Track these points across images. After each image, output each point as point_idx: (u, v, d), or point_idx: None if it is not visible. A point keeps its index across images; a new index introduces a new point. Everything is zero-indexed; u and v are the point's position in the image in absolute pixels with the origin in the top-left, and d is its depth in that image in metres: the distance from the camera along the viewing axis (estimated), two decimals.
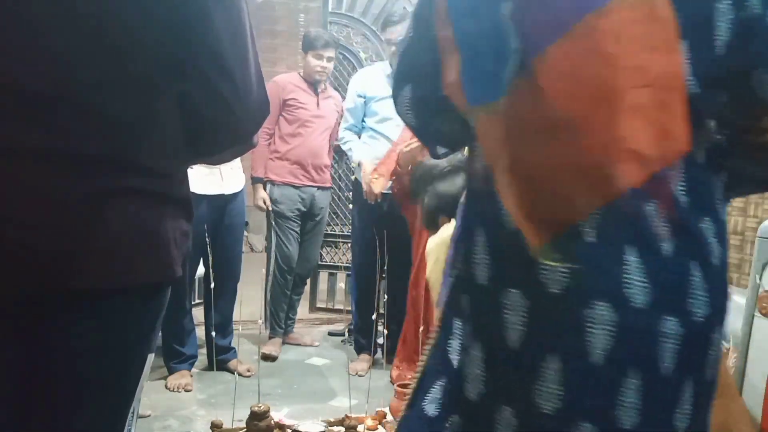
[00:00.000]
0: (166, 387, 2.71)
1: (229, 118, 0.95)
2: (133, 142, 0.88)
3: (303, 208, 3.29)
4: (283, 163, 3.25)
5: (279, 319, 3.34)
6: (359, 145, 3.09)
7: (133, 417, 1.26)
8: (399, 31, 2.96)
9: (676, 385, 0.78)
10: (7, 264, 0.82)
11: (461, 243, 0.92)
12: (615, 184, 0.73)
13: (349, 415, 2.27)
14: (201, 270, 3.52)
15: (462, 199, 0.98)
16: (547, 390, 0.77)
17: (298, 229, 3.31)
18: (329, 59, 3.26)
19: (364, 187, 3.00)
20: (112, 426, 0.96)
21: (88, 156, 0.84)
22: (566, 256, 0.76)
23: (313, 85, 3.27)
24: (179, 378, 2.75)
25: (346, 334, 3.61)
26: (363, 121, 3.11)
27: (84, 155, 0.84)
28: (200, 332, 3.04)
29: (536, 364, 0.77)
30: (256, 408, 2.18)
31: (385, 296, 2.61)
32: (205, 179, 2.71)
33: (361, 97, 3.07)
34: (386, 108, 3.02)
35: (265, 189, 3.28)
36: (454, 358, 0.90)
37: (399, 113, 0.97)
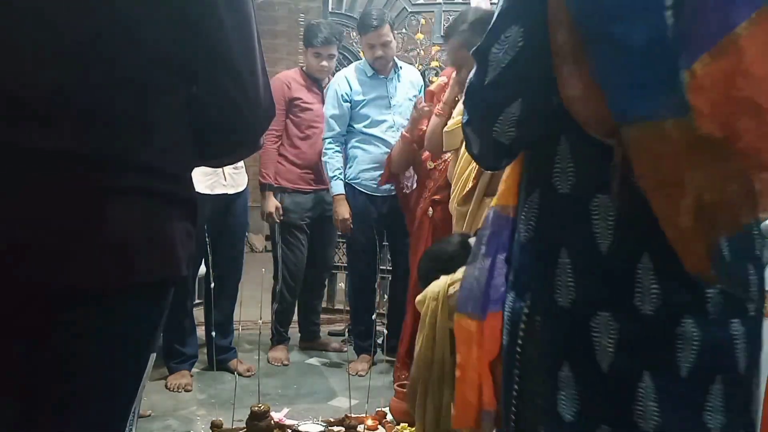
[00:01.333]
0: (166, 387, 2.71)
1: (238, 121, 0.96)
2: (141, 143, 0.88)
3: (314, 215, 3.19)
4: (293, 168, 3.14)
5: (284, 328, 3.26)
6: (338, 166, 3.01)
7: (133, 417, 1.26)
8: (384, 35, 2.92)
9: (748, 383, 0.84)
10: (12, 263, 0.82)
11: (534, 263, 0.89)
12: (760, 207, 0.75)
13: (349, 415, 2.27)
14: (201, 270, 3.52)
15: (527, 219, 0.91)
16: (645, 408, 0.80)
17: (306, 238, 3.20)
18: (330, 57, 3.14)
19: (339, 226, 3.03)
20: (114, 425, 0.96)
21: (94, 155, 0.84)
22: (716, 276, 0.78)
23: (316, 81, 3.19)
24: (179, 378, 2.75)
25: (346, 334, 3.61)
26: (350, 125, 3.04)
27: (90, 155, 0.84)
28: (200, 332, 3.05)
29: (631, 383, 0.80)
30: (256, 408, 2.18)
31: (386, 296, 2.61)
32: (209, 179, 2.70)
33: (347, 102, 2.99)
34: (374, 110, 3.00)
35: (275, 196, 3.13)
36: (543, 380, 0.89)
37: (495, 131, 0.86)
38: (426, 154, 2.67)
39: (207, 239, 2.59)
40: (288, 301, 3.21)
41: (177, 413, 2.48)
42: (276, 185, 3.12)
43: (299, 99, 3.14)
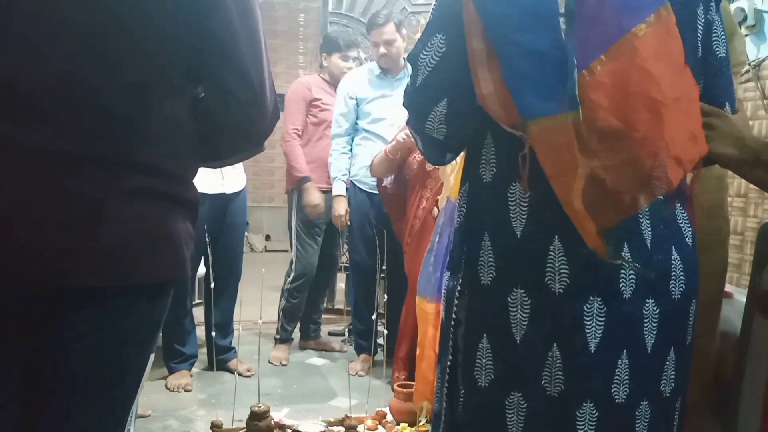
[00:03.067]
0: (166, 387, 2.71)
1: (246, 124, 0.97)
2: (147, 144, 0.89)
3: (328, 214, 3.20)
4: (310, 167, 3.20)
5: (290, 325, 3.27)
6: (342, 168, 3.07)
7: (132, 417, 1.26)
8: (387, 33, 2.95)
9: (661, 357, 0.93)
10: (18, 263, 0.82)
11: (463, 246, 0.99)
12: (661, 185, 0.85)
13: (349, 415, 2.27)
14: (201, 270, 3.52)
15: (460, 206, 1.02)
16: (552, 375, 0.90)
17: (321, 236, 3.24)
18: (354, 59, 3.26)
19: (335, 221, 3.09)
20: (114, 425, 0.96)
21: (100, 156, 0.85)
22: (618, 254, 0.88)
23: (335, 86, 3.24)
24: (179, 378, 2.75)
25: (346, 334, 3.61)
26: (355, 123, 3.09)
27: (96, 156, 0.85)
28: (200, 332, 3.05)
29: (542, 354, 0.90)
30: (256, 408, 2.18)
31: (385, 296, 2.61)
32: (206, 178, 2.70)
33: (352, 99, 3.05)
34: (378, 108, 3.03)
35: (294, 193, 3.19)
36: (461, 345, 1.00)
37: (428, 128, 0.96)
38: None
39: (207, 239, 2.58)
40: (296, 298, 3.23)
41: (177, 413, 2.48)
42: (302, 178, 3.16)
43: (319, 100, 3.22)
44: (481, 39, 0.88)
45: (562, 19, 0.85)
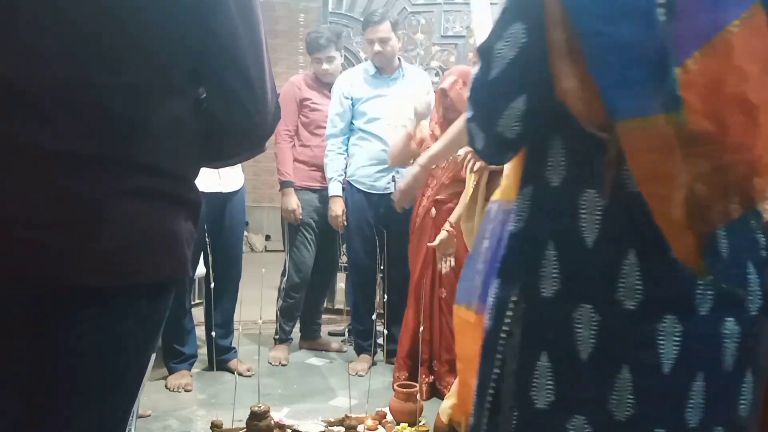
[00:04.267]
0: (166, 387, 2.71)
1: (248, 124, 0.97)
2: (150, 144, 0.89)
3: (322, 211, 3.20)
4: (302, 167, 3.21)
5: (288, 325, 3.27)
6: (338, 169, 3.06)
7: (133, 417, 1.26)
8: (382, 31, 2.95)
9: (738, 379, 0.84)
10: (17, 262, 0.82)
11: (522, 254, 0.91)
12: (753, 195, 0.79)
13: (349, 415, 2.27)
14: (201, 270, 3.52)
15: (519, 210, 0.93)
16: (621, 398, 0.81)
17: (314, 235, 3.23)
18: (329, 59, 3.21)
19: (332, 222, 3.09)
20: (115, 425, 0.96)
21: (102, 156, 0.85)
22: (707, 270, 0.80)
23: (327, 85, 3.24)
24: (179, 378, 2.75)
25: (346, 334, 3.61)
26: (351, 123, 3.08)
27: (98, 156, 0.85)
28: (200, 332, 3.05)
29: (610, 375, 0.82)
30: (256, 408, 2.18)
31: (385, 296, 2.61)
32: (203, 177, 2.69)
33: (348, 99, 3.04)
34: (374, 108, 3.03)
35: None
36: (511, 360, 0.91)
37: (500, 126, 0.87)
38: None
39: (207, 239, 2.58)
40: (293, 298, 3.23)
41: (177, 413, 2.48)
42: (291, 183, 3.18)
43: (309, 99, 3.21)
44: (562, 29, 0.79)
45: (661, 11, 0.76)
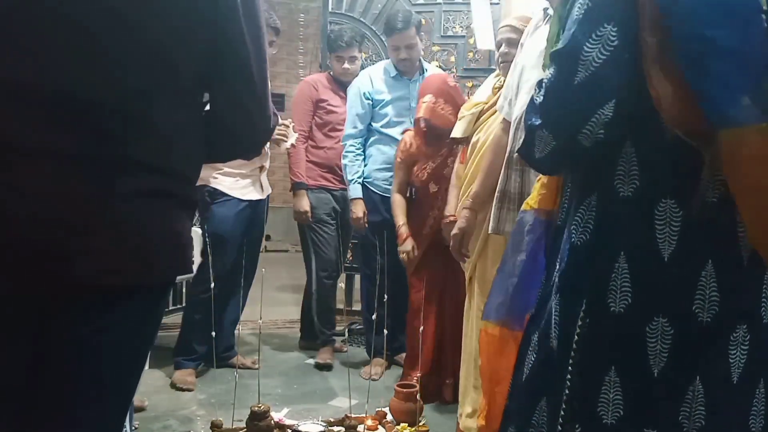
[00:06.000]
0: (172, 383, 2.71)
1: (249, 128, 1.01)
2: (158, 145, 0.91)
3: (338, 209, 3.21)
4: (314, 168, 3.19)
5: (326, 326, 3.24)
6: (357, 171, 3.02)
7: (129, 411, 1.28)
8: (408, 37, 2.90)
9: None
10: (23, 262, 0.83)
11: (589, 268, 0.88)
12: None
13: (349, 415, 2.27)
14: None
15: (581, 222, 0.89)
16: (692, 411, 0.81)
17: (335, 233, 3.21)
18: (351, 60, 3.20)
19: (354, 224, 3.04)
20: (115, 420, 0.97)
21: (108, 157, 0.87)
22: None
23: (342, 86, 3.22)
24: (186, 375, 2.75)
25: (346, 334, 3.61)
26: (369, 124, 3.04)
27: (104, 156, 0.87)
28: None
29: (683, 388, 0.81)
30: (256, 408, 2.18)
31: (385, 296, 2.61)
32: (243, 185, 2.80)
33: (368, 99, 3.00)
34: (395, 111, 3.00)
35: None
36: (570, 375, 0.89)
37: (584, 133, 0.82)
38: (426, 176, 2.64)
39: (207, 240, 2.60)
40: (325, 301, 3.20)
41: (177, 413, 2.48)
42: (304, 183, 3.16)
43: (325, 101, 3.20)
44: (656, 32, 0.77)
45: (765, 17, 0.74)
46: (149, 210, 0.90)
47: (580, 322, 0.87)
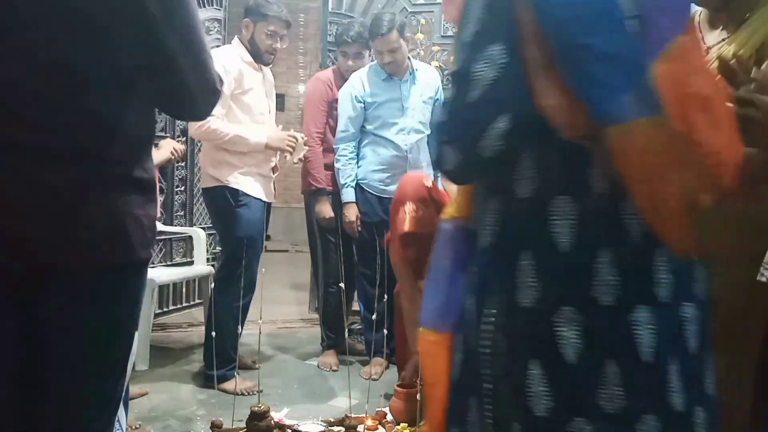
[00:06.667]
0: (236, 393, 2.63)
1: (193, 108, 1.15)
2: (111, 134, 1.00)
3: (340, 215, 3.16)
4: (327, 172, 3.15)
5: (332, 332, 3.21)
6: (351, 174, 3.03)
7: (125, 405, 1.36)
8: (391, 41, 2.90)
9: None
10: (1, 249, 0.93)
11: (496, 267, 0.92)
12: (721, 184, 0.84)
13: (349, 415, 2.27)
14: (200, 270, 3.52)
15: (487, 224, 0.94)
16: (611, 393, 0.85)
17: (337, 239, 3.18)
18: (356, 56, 3.16)
19: (347, 228, 3.06)
20: (107, 398, 1.06)
21: (71, 149, 0.96)
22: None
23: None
24: (245, 381, 2.74)
25: (346, 334, 3.61)
26: (362, 126, 3.04)
27: (67, 148, 0.96)
28: (199, 333, 3.04)
29: (598, 372, 0.85)
30: (256, 408, 2.18)
31: (385, 296, 2.61)
32: (264, 187, 2.82)
33: (360, 102, 3.00)
34: (387, 112, 3.00)
35: (311, 199, 3.19)
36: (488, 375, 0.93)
37: (481, 147, 0.88)
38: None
39: (210, 239, 2.60)
40: (332, 306, 3.17)
41: (177, 413, 2.48)
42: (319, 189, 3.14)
43: (337, 101, 3.12)
44: (539, 45, 0.83)
45: (633, 22, 0.81)
46: (105, 197, 0.99)
47: (493, 319, 0.91)
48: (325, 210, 3.13)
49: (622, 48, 0.81)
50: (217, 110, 2.61)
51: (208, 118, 2.55)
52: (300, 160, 2.86)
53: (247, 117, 2.74)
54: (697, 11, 1.30)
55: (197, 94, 1.09)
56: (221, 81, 1.12)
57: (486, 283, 0.94)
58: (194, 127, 2.70)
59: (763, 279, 0.91)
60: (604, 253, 0.85)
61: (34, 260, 0.95)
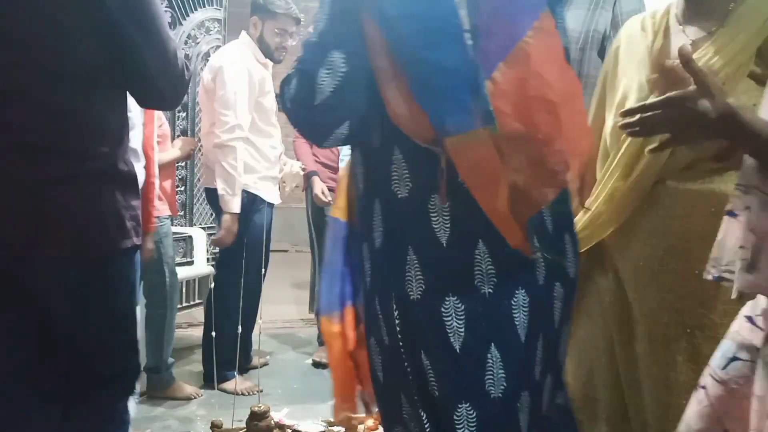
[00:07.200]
0: (237, 393, 2.63)
1: (161, 99, 1.20)
2: (83, 131, 1.05)
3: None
4: (325, 170, 3.21)
5: None
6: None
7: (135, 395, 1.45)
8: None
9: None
10: None
11: (387, 266, 0.98)
12: (564, 179, 0.91)
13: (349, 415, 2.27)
14: (200, 270, 3.52)
15: (373, 225, 0.99)
16: (495, 377, 0.91)
17: None
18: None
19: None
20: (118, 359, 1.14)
21: (45, 146, 1.01)
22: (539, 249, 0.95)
23: None
24: (243, 381, 2.74)
25: None
26: None
27: (41, 146, 1.01)
28: (197, 333, 3.04)
29: (482, 359, 0.91)
30: (256, 408, 2.18)
31: None
32: (274, 190, 2.83)
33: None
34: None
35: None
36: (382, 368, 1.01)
37: (326, 145, 0.99)
38: None
39: (208, 240, 2.60)
40: None
41: (177, 413, 2.48)
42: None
43: None
44: (385, 58, 0.88)
45: (468, 35, 0.87)
46: (71, 190, 1.03)
47: (396, 314, 0.96)
48: (319, 186, 3.15)
49: (460, 62, 0.86)
50: (244, 120, 2.58)
51: (236, 133, 2.55)
52: (297, 186, 2.90)
53: (263, 121, 2.72)
54: (673, 3, 1.28)
55: (162, 82, 1.12)
56: (188, 68, 1.17)
57: (383, 282, 0.99)
58: (220, 138, 2.57)
59: (710, 277, 0.92)
60: (481, 246, 0.91)
61: (20, 254, 1.01)
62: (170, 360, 2.67)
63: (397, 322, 0.95)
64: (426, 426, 0.95)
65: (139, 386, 1.79)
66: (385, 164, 0.95)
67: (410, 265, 0.93)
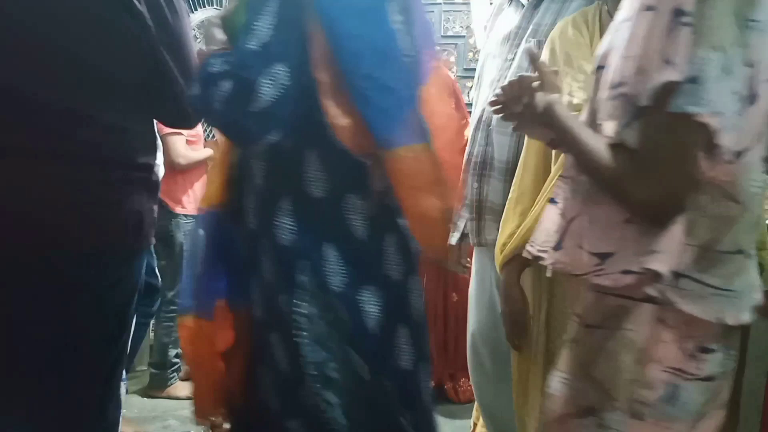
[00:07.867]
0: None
1: (185, 119, 1.25)
2: (129, 143, 1.14)
3: None
4: None
5: None
6: None
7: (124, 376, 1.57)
8: None
9: None
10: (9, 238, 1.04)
11: (304, 263, 1.01)
12: (456, 194, 1.07)
13: None
14: None
15: (284, 224, 1.02)
16: (400, 350, 1.03)
17: None
18: None
19: None
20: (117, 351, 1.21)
21: (98, 156, 1.09)
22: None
23: None
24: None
25: None
26: None
27: (95, 156, 1.09)
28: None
29: (391, 334, 1.02)
30: None
31: None
32: None
33: None
34: None
35: None
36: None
37: (255, 149, 1.03)
38: None
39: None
40: None
41: (177, 413, 2.48)
42: None
43: None
44: (329, 71, 0.92)
45: (407, 59, 0.95)
46: (121, 195, 1.12)
47: (307, 309, 0.99)
48: None
49: (399, 81, 0.94)
50: None
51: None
52: None
53: None
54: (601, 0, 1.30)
55: (187, 103, 1.14)
56: None
57: (294, 278, 1.00)
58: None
59: (529, 256, 0.99)
60: (389, 239, 1.02)
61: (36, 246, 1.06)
62: (176, 362, 2.67)
63: (306, 319, 0.99)
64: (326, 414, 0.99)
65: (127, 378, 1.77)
66: (294, 165, 0.99)
67: (328, 259, 1.00)
